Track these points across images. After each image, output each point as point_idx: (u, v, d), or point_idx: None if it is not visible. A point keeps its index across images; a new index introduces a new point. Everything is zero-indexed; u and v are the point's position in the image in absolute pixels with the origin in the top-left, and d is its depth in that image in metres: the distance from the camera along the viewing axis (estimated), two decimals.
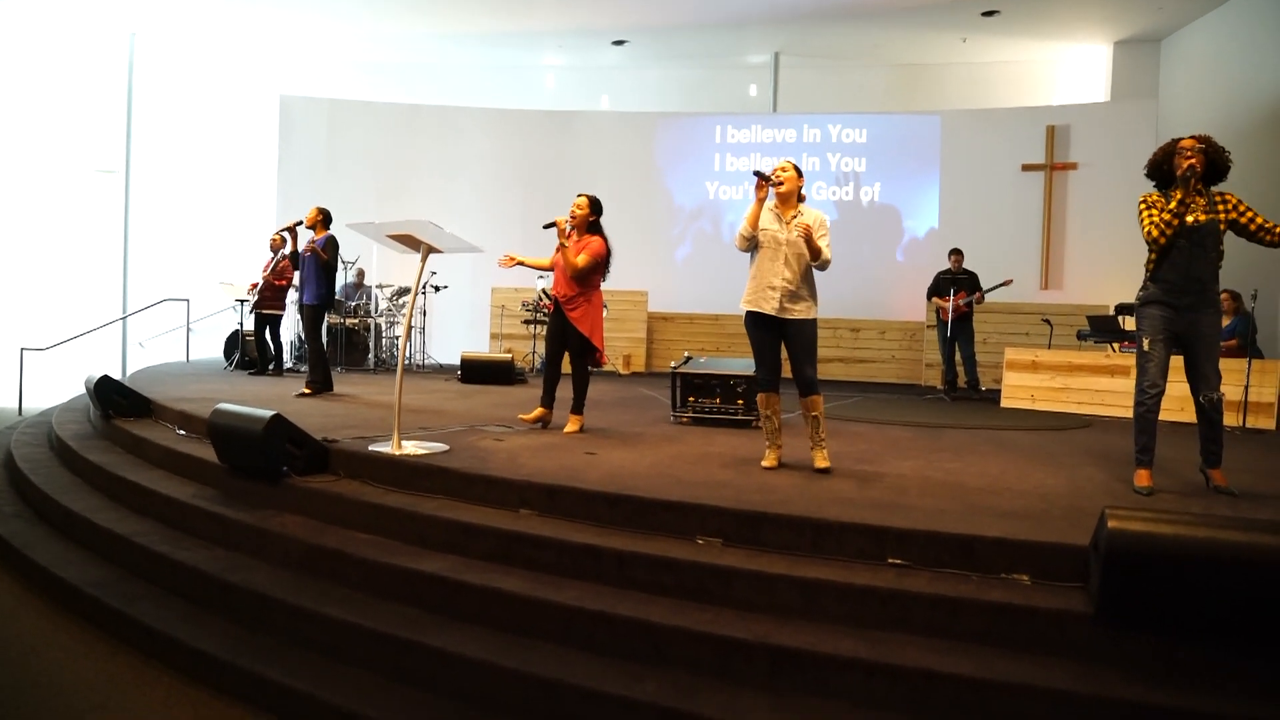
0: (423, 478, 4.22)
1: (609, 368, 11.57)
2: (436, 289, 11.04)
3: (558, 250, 5.63)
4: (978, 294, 9.41)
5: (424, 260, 4.84)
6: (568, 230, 5.59)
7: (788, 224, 4.50)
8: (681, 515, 3.61)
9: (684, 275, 13.25)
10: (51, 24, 12.37)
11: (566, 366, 5.83)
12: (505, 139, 13.48)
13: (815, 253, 4.43)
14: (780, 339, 4.56)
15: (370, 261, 11.23)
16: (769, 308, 4.49)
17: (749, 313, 4.59)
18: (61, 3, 11.71)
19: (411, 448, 4.55)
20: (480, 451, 4.74)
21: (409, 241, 4.77)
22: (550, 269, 5.75)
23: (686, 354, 6.97)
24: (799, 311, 4.49)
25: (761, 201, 4.48)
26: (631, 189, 13.37)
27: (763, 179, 4.45)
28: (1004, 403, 8.60)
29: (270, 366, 9.51)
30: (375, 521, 3.97)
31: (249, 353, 10.11)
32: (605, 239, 5.65)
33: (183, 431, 5.78)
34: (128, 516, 4.66)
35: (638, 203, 13.39)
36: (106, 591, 3.89)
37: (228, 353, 10.71)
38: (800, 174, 4.57)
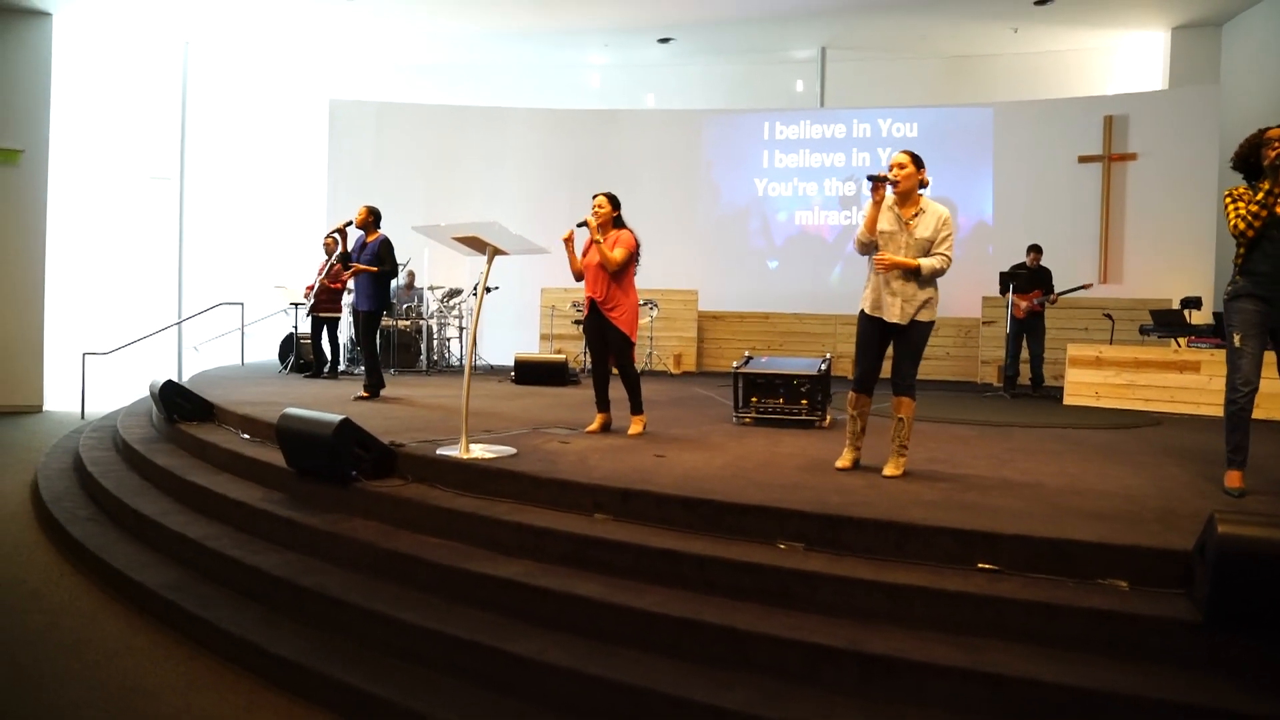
0: (492, 481, 4.21)
1: (659, 367, 11.52)
2: (488, 290, 11.06)
3: (585, 252, 5.64)
4: (1053, 295, 9.21)
5: (489, 262, 4.82)
6: (595, 227, 5.55)
7: (908, 225, 4.32)
8: (760, 519, 3.55)
9: (734, 273, 13.16)
10: (108, 35, 12.59)
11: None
12: (551, 138, 13.50)
13: (923, 269, 4.24)
14: (889, 340, 4.42)
15: (421, 263, 11.28)
16: (890, 316, 4.33)
17: (863, 314, 4.45)
18: (118, 14, 11.92)
19: (479, 451, 4.55)
20: (548, 454, 4.72)
21: (474, 244, 4.75)
22: (579, 273, 5.72)
23: (747, 353, 6.90)
24: (916, 315, 4.33)
25: (879, 203, 4.31)
26: (678, 187, 13.31)
27: (877, 181, 4.27)
28: (1067, 400, 8.42)
29: (325, 370, 9.60)
30: (446, 525, 3.95)
31: (304, 356, 10.21)
32: (631, 230, 5.66)
33: (246, 435, 5.83)
34: (197, 520, 4.70)
35: (685, 201, 13.33)
36: (183, 595, 3.92)
37: (282, 356, 10.81)
38: (919, 164, 4.32)
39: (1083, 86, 12.73)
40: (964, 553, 3.24)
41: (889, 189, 4.31)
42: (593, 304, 5.65)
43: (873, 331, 4.43)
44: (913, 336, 4.35)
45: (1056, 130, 11.98)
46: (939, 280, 4.40)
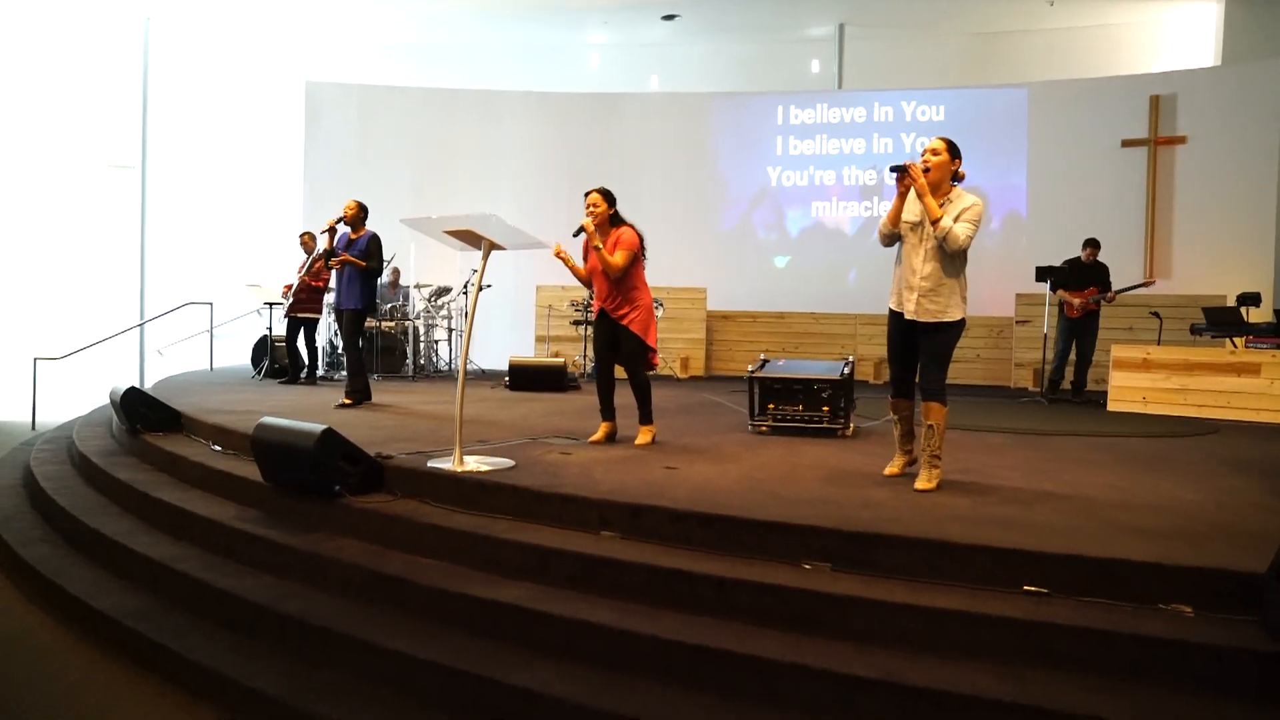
0: (490, 496, 4.19)
1: (665, 371, 11.51)
2: (481, 288, 11.07)
3: (587, 257, 5.64)
4: (1110, 293, 9.21)
5: (485, 258, 4.82)
6: (593, 231, 5.52)
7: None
8: (783, 536, 3.53)
9: (744, 270, 13.18)
10: (61, 9, 12.60)
11: (619, 373, 5.79)
12: (547, 124, 13.51)
13: (942, 223, 4.26)
14: (913, 340, 4.47)
15: (407, 260, 11.27)
16: (905, 309, 4.42)
17: (890, 311, 4.55)
18: None
19: (475, 463, 4.53)
20: (549, 466, 4.71)
21: (468, 238, 4.74)
22: (588, 279, 5.72)
23: (763, 356, 6.89)
24: (935, 313, 4.36)
25: (904, 195, 4.40)
26: (685, 176, 13.32)
27: (901, 173, 4.34)
28: (1111, 406, 8.40)
29: (303, 375, 9.58)
30: (441, 545, 3.94)
31: (279, 360, 10.21)
32: (631, 225, 5.63)
33: (218, 447, 5.81)
34: (165, 541, 4.67)
35: (692, 191, 13.34)
36: (148, 624, 3.88)
37: (256, 360, 10.83)
38: (955, 153, 4.37)
39: (1126, 64, 12.73)
40: (1006, 573, 3.21)
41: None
42: (602, 310, 5.65)
43: (897, 329, 4.51)
44: (935, 337, 4.39)
45: (1097, 112, 11.99)
46: (969, 277, 4.44)
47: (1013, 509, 3.92)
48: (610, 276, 5.49)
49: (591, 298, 10.12)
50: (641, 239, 5.61)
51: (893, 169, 4.39)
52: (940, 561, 3.31)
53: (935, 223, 4.27)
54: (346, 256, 7.59)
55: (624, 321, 5.56)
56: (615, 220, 5.63)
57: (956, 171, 4.37)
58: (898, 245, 4.50)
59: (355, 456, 4.48)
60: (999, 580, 3.20)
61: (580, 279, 5.79)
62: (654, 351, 5.73)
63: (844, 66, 13.74)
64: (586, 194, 5.61)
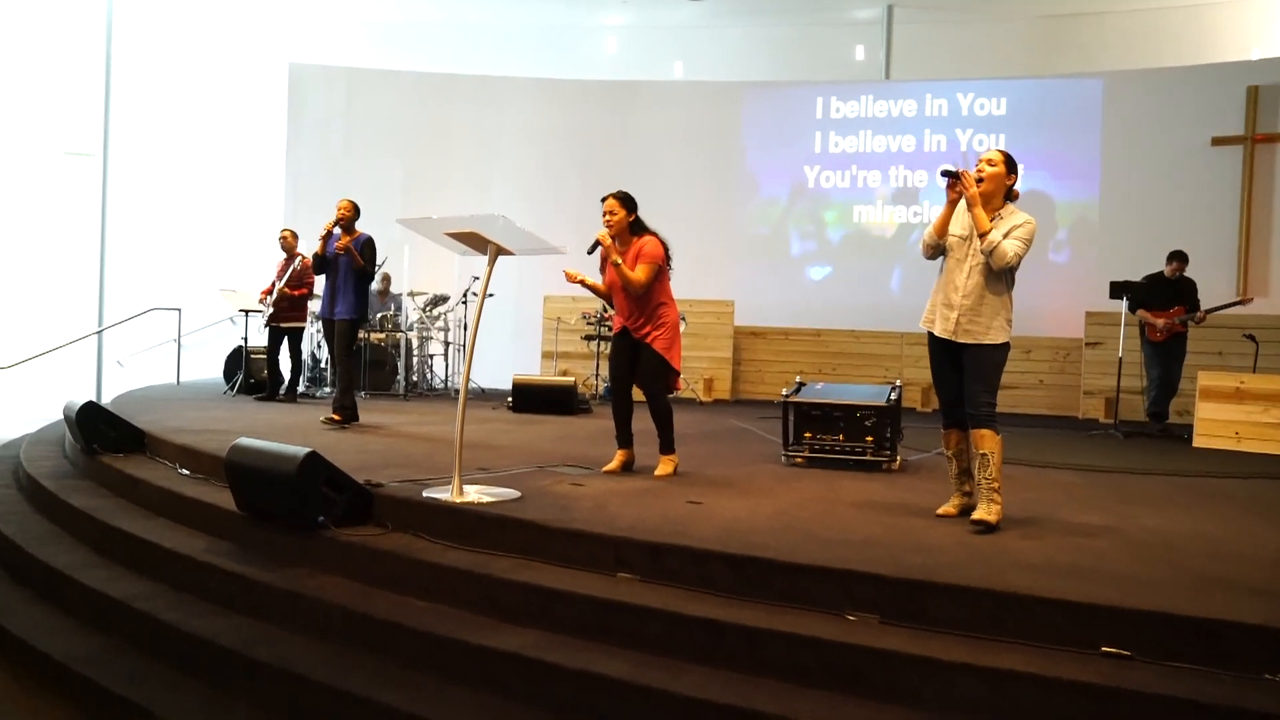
0: (492, 531, 4.21)
1: (687, 394, 11.51)
2: (485, 297, 11.10)
3: (604, 270, 5.68)
4: (1199, 313, 9.17)
5: (490, 264, 4.84)
6: (611, 242, 5.54)
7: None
8: (823, 582, 3.52)
9: (777, 281, 13.18)
10: None
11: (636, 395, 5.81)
12: (557, 115, 13.58)
13: (991, 237, 4.37)
14: (957, 362, 4.59)
15: (399, 264, 11.29)
16: (943, 329, 4.56)
17: (928, 333, 4.68)
18: None
19: (475, 494, 4.56)
20: (558, 498, 4.73)
21: (472, 241, 4.77)
22: (608, 294, 5.75)
23: (799, 378, 6.88)
24: (976, 334, 4.49)
25: (953, 204, 4.55)
26: (710, 176, 13.35)
27: (953, 178, 4.51)
28: (1198, 441, 8.34)
29: (282, 391, 9.63)
30: (436, 584, 3.95)
31: (255, 374, 10.26)
32: (654, 234, 5.65)
33: (186, 471, 5.85)
34: (125, 575, 4.68)
35: (719, 193, 13.37)
36: (102, 670, 3.89)
37: (229, 374, 10.89)
38: (1012, 167, 4.53)
39: (1219, 50, 12.59)
40: (1081, 631, 3.18)
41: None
42: (624, 328, 5.67)
43: (935, 351, 4.68)
44: (977, 358, 4.50)
45: (1184, 105, 11.96)
46: (1014, 292, 4.53)
47: (1087, 557, 3.89)
48: (632, 294, 5.51)
49: (604, 310, 10.21)
50: (666, 249, 5.62)
51: (944, 172, 4.55)
52: (1005, 615, 3.27)
53: (983, 236, 4.37)
54: (348, 243, 7.65)
55: (648, 340, 5.57)
56: (636, 228, 5.63)
57: (1011, 189, 4.52)
58: (941, 259, 4.63)
59: (341, 483, 4.49)
60: (1073, 639, 3.17)
61: (600, 296, 5.81)
62: (677, 374, 5.75)
63: (892, 53, 13.76)
64: (603, 200, 5.61)
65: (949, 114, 12.98)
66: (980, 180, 4.44)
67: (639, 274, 5.47)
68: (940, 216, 4.57)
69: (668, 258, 5.63)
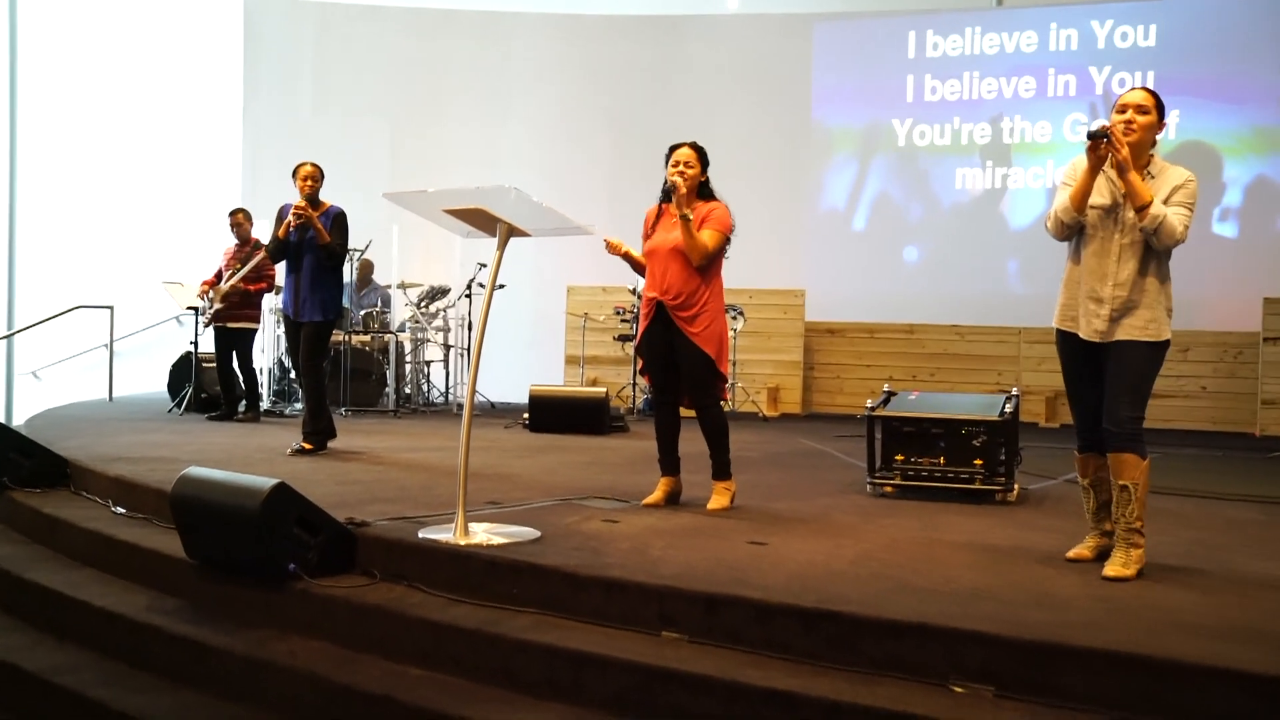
0: (506, 580, 4.20)
1: (747, 407, 11.50)
2: (494, 289, 11.14)
3: (651, 234, 5.77)
4: None
5: (501, 248, 4.85)
6: (685, 194, 5.61)
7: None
8: (921, 644, 3.49)
9: (857, 265, 13.15)
10: None
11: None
12: (581, 57, 13.62)
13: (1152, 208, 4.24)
14: (1100, 370, 4.47)
15: (387, 250, 11.36)
16: (1090, 329, 4.41)
17: (1060, 332, 4.57)
18: None
19: (484, 534, 4.55)
20: (587, 539, 4.72)
21: (478, 219, 4.78)
22: (643, 264, 5.82)
23: (888, 387, 6.85)
24: (1132, 329, 4.35)
25: (1095, 169, 4.34)
26: (772, 131, 13.34)
27: (1099, 139, 4.25)
28: None
29: (241, 407, 9.70)
30: (435, 648, 3.95)
31: (207, 387, 10.34)
32: (723, 203, 5.77)
33: (121, 509, 5.88)
34: (41, 642, 4.72)
35: (783, 153, 13.35)
36: None
37: (175, 387, 10.97)
38: (1163, 110, 4.39)
39: None
40: (1261, 712, 3.14)
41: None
42: (658, 306, 5.66)
43: (1073, 356, 4.56)
44: (1127, 359, 4.38)
45: None
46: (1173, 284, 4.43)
47: (1268, 618, 3.82)
48: (690, 259, 5.56)
49: (637, 301, 10.19)
50: (733, 224, 5.71)
51: (1091, 134, 4.30)
52: (1158, 690, 3.23)
53: (1142, 209, 4.23)
54: (312, 215, 7.40)
55: (690, 330, 5.58)
56: (704, 192, 5.75)
57: (1156, 136, 4.41)
58: (1075, 240, 4.50)
59: (317, 523, 4.50)
60: None
61: (638, 270, 5.87)
62: (725, 380, 5.78)
63: None
64: (673, 148, 5.73)
65: (1080, 47, 12.81)
66: (1134, 131, 4.29)
67: (706, 237, 5.54)
68: (1079, 185, 4.38)
69: (731, 235, 5.70)
